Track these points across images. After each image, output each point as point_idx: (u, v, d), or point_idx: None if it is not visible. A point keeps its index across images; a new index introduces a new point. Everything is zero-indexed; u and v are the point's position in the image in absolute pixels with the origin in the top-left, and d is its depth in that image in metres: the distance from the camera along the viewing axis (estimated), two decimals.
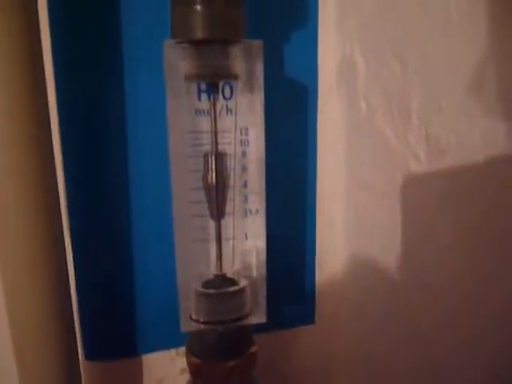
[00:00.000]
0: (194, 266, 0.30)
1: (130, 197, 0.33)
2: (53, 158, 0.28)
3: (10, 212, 0.26)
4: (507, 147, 0.24)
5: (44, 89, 0.27)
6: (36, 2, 0.26)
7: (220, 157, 0.28)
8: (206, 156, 0.28)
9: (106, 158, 0.32)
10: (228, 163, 0.29)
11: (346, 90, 0.36)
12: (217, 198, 0.29)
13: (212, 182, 0.28)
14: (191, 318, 0.30)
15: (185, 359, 0.38)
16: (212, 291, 0.30)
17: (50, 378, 0.30)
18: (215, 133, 0.27)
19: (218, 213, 0.29)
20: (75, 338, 0.31)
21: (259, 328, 0.33)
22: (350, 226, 0.37)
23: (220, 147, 0.28)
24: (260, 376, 0.35)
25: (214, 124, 0.27)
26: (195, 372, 0.32)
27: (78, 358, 0.32)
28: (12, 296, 0.29)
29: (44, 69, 0.26)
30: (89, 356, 0.35)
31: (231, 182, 0.28)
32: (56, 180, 0.28)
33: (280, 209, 0.34)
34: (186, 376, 0.37)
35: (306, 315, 0.41)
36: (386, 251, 0.35)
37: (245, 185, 0.29)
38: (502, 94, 0.24)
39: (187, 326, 0.30)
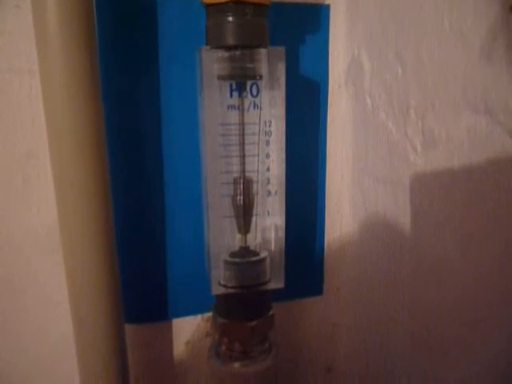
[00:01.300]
0: (223, 239, 0.35)
1: (166, 179, 0.38)
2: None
3: (72, 187, 0.31)
4: (489, 139, 0.28)
5: (99, 102, 0.31)
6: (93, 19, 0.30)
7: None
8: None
9: (146, 146, 0.37)
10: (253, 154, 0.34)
11: (353, 88, 0.40)
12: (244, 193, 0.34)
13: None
14: (220, 284, 0.35)
15: (209, 324, 0.43)
16: (238, 260, 0.35)
17: (104, 338, 0.36)
18: (243, 124, 0.32)
19: (245, 205, 0.34)
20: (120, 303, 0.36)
21: (273, 298, 0.38)
22: (356, 207, 0.42)
23: (246, 138, 0.33)
24: (275, 339, 0.40)
25: (242, 117, 0.32)
26: (221, 331, 0.37)
27: (122, 321, 0.37)
28: (72, 265, 0.34)
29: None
30: (128, 319, 0.39)
31: (256, 166, 0.33)
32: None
33: (295, 191, 0.39)
34: (210, 339, 0.42)
35: (315, 287, 0.46)
36: (389, 230, 0.39)
37: (268, 169, 0.34)
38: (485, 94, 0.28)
39: (216, 289, 0.35)
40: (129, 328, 0.39)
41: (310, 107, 0.41)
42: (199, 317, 0.43)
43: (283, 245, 0.36)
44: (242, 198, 0.34)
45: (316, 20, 0.39)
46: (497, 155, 0.28)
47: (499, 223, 0.29)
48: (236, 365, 0.37)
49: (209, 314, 0.42)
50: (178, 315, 0.42)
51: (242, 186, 0.34)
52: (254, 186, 0.34)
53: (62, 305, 0.37)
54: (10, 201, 0.36)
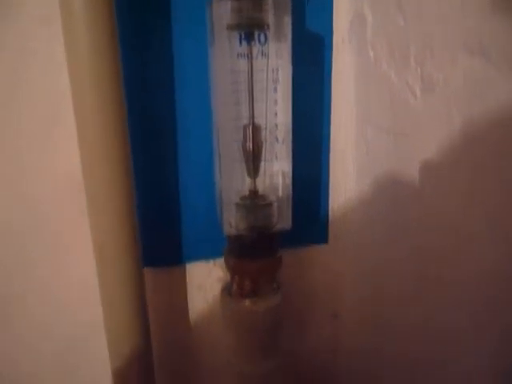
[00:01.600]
0: (234, 184, 0.37)
1: (180, 129, 0.40)
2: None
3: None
4: (484, 81, 0.30)
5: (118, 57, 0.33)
6: None
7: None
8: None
9: (161, 98, 0.39)
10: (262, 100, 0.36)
11: (357, 41, 0.42)
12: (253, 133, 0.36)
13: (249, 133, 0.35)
14: (231, 225, 0.38)
15: (221, 269, 0.46)
16: (248, 203, 0.37)
17: (125, 278, 0.38)
18: (252, 72, 0.34)
19: (255, 152, 0.36)
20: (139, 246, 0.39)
21: (282, 244, 0.41)
22: (360, 157, 0.44)
23: (255, 85, 0.35)
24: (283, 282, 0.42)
25: (250, 65, 0.34)
26: (233, 270, 0.40)
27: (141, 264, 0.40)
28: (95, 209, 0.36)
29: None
30: (146, 264, 0.41)
31: (264, 112, 0.35)
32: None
33: (301, 141, 0.41)
34: (222, 283, 0.45)
35: (321, 235, 0.48)
36: (392, 179, 0.41)
37: (275, 115, 0.36)
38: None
39: (228, 230, 0.38)
40: (146, 272, 0.41)
41: (315, 60, 0.42)
42: (211, 262, 0.46)
43: (290, 191, 0.39)
44: (251, 143, 0.36)
45: None
46: (492, 96, 0.30)
47: (501, 166, 0.30)
48: (246, 302, 0.40)
49: (220, 260, 0.45)
50: (191, 260, 0.45)
51: (251, 132, 0.36)
52: (263, 132, 0.36)
53: (85, 248, 0.40)
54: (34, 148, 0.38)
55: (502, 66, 0.29)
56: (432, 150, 0.35)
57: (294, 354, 0.52)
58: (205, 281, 0.46)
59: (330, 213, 0.48)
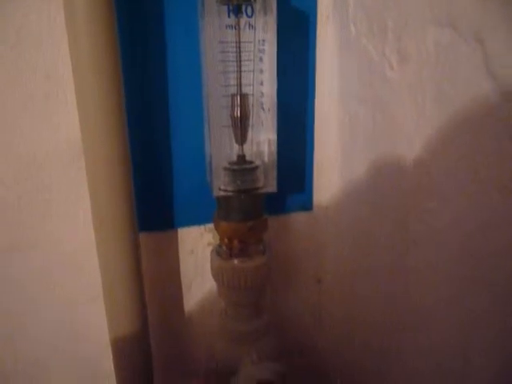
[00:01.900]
0: (222, 149, 0.40)
1: (171, 97, 0.43)
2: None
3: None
4: (452, 50, 0.33)
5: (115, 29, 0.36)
6: None
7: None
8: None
9: (154, 68, 0.42)
10: (249, 69, 0.38)
11: (339, 17, 0.45)
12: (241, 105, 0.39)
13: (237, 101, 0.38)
14: (220, 189, 0.40)
15: (211, 234, 0.49)
16: (235, 167, 0.40)
17: (122, 242, 0.41)
18: (239, 42, 0.37)
19: (242, 119, 0.39)
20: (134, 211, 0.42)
21: (269, 211, 0.43)
22: (342, 127, 0.47)
23: (242, 54, 0.37)
24: (269, 244, 0.45)
25: (238, 36, 0.36)
26: (222, 231, 0.43)
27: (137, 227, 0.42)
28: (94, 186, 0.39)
29: None
30: (141, 228, 0.44)
31: (251, 81, 0.38)
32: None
33: (287, 112, 0.43)
34: (212, 247, 0.48)
35: (306, 202, 0.51)
36: (374, 148, 0.44)
37: (261, 83, 0.38)
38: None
39: (217, 193, 0.40)
40: (142, 236, 0.44)
41: (300, 34, 0.45)
42: (202, 227, 0.49)
43: (275, 157, 0.41)
44: (239, 111, 0.38)
45: None
46: (460, 66, 0.32)
47: (471, 127, 0.33)
48: (235, 261, 0.43)
49: (210, 225, 0.48)
50: (183, 225, 0.48)
51: (239, 100, 0.38)
52: (250, 99, 0.39)
53: (84, 215, 0.43)
54: (33, 119, 0.40)
55: (468, 36, 0.31)
56: (408, 119, 0.38)
57: (279, 314, 0.55)
58: (196, 245, 0.49)
59: (315, 180, 0.50)
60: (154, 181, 0.45)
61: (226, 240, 0.43)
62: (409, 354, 0.43)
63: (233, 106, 0.39)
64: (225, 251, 0.43)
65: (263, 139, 0.41)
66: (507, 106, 0.29)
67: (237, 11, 0.36)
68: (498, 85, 0.29)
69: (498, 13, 0.29)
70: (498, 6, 0.29)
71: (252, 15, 0.37)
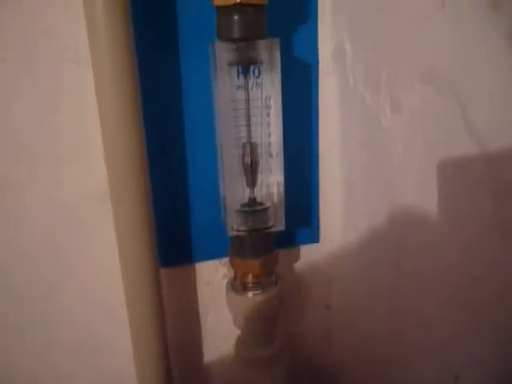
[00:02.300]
0: (235, 193, 0.44)
1: (189, 147, 0.47)
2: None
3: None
4: (435, 104, 0.37)
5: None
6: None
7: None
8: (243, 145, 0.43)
9: (172, 121, 0.46)
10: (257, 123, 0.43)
11: (339, 68, 0.49)
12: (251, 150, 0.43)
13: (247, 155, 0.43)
14: (233, 229, 0.45)
15: (226, 267, 0.53)
16: (247, 209, 0.44)
17: (146, 278, 0.45)
18: (248, 100, 0.41)
19: (253, 166, 0.43)
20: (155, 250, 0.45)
21: (279, 245, 0.47)
22: (344, 167, 0.51)
23: (251, 110, 0.42)
24: (280, 275, 0.49)
25: (247, 94, 0.41)
26: (236, 267, 0.47)
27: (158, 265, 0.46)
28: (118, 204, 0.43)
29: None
30: (162, 264, 0.47)
31: (260, 133, 0.42)
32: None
33: (293, 155, 0.47)
34: (227, 280, 0.52)
35: (313, 236, 0.55)
36: (372, 185, 0.48)
37: (269, 135, 0.43)
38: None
39: (231, 233, 0.44)
40: (162, 271, 0.47)
41: (303, 86, 0.49)
42: (217, 261, 0.53)
43: (283, 197, 0.45)
44: (249, 158, 0.43)
45: (306, 11, 0.47)
46: (442, 118, 0.36)
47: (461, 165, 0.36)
48: (249, 294, 0.47)
49: (225, 259, 0.52)
50: (200, 259, 0.52)
51: (249, 149, 0.42)
52: (259, 148, 0.43)
53: (110, 254, 0.46)
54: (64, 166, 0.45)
55: (447, 94, 0.35)
56: (401, 161, 0.42)
57: (291, 339, 0.58)
58: (212, 277, 0.53)
59: (321, 215, 0.54)
60: (174, 221, 0.49)
61: (239, 275, 0.47)
62: (417, 370, 0.46)
63: (244, 155, 0.43)
64: (239, 285, 0.47)
65: (272, 182, 0.45)
66: (487, 158, 0.33)
67: (245, 73, 0.41)
68: (476, 137, 0.34)
69: (477, 71, 0.34)
70: (476, 65, 0.34)
71: (259, 75, 0.41)
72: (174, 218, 0.49)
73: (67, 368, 0.50)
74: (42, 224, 0.45)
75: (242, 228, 0.44)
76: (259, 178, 0.44)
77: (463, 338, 0.40)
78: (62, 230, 0.46)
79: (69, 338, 0.49)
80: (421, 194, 0.41)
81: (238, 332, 0.50)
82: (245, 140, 0.42)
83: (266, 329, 0.49)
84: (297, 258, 0.56)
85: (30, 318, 0.48)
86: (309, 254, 0.56)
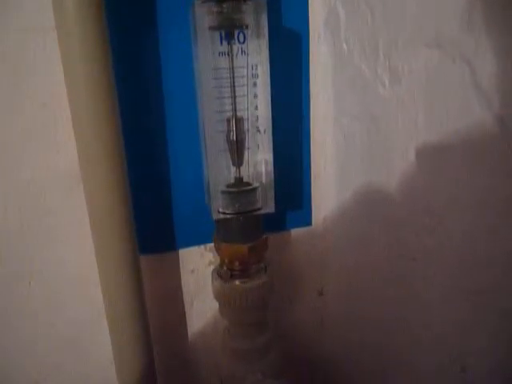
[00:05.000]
0: (220, 172, 0.40)
1: (169, 125, 0.43)
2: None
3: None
4: (441, 69, 0.33)
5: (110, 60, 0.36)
6: None
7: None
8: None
9: (151, 96, 0.42)
10: (243, 94, 0.39)
11: (331, 37, 0.45)
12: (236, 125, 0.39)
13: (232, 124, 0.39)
14: (219, 211, 0.41)
15: (211, 254, 0.49)
16: (233, 190, 0.41)
17: (123, 265, 0.41)
18: (233, 69, 0.37)
19: (238, 143, 0.39)
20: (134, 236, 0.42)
21: (269, 229, 0.44)
22: (338, 144, 0.48)
23: (236, 80, 0.38)
24: (270, 261, 0.46)
25: (231, 62, 0.37)
26: (222, 253, 0.43)
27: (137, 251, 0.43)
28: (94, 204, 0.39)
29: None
30: (142, 251, 0.44)
31: (246, 105, 0.38)
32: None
33: (283, 132, 0.44)
34: (213, 267, 0.48)
35: (305, 218, 0.52)
36: (368, 163, 0.44)
37: (256, 108, 0.39)
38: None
39: (216, 216, 0.41)
40: (142, 259, 0.44)
41: (293, 56, 0.46)
42: (202, 247, 0.49)
43: (272, 177, 0.42)
44: (234, 134, 0.39)
45: None
46: (448, 84, 0.33)
47: (461, 143, 0.33)
48: (237, 282, 0.43)
49: (211, 245, 0.48)
50: (184, 246, 0.48)
51: (234, 124, 0.39)
52: (245, 123, 0.39)
53: (85, 238, 0.43)
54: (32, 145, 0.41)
55: (455, 57, 0.32)
56: (401, 134, 0.39)
57: (282, 327, 0.55)
58: (197, 264, 0.50)
59: (313, 197, 0.51)
60: (155, 205, 0.45)
61: (226, 261, 0.43)
62: (410, 354, 0.44)
63: (228, 131, 0.39)
64: (226, 272, 0.43)
65: (260, 160, 0.42)
66: (498, 124, 0.29)
67: (229, 38, 0.37)
68: (487, 102, 0.30)
69: (485, 33, 0.30)
70: (484, 25, 0.30)
71: (244, 41, 0.37)
72: (154, 202, 0.45)
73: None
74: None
75: (228, 210, 0.41)
76: (246, 155, 0.41)
77: (467, 326, 0.37)
78: (29, 215, 0.42)
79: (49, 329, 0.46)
80: (422, 171, 0.37)
81: (225, 322, 0.47)
82: (229, 114, 0.39)
83: (255, 319, 0.45)
84: (288, 242, 0.53)
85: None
86: (300, 238, 0.53)
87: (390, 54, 0.38)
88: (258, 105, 0.39)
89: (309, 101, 0.47)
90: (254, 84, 0.38)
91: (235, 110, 0.38)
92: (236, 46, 0.37)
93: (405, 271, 0.42)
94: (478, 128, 0.31)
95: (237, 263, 0.43)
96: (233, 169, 0.41)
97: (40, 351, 0.47)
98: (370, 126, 0.42)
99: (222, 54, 0.37)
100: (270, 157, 0.41)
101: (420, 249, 0.39)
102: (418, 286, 0.41)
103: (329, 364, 0.58)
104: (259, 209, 0.41)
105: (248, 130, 0.40)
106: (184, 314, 0.51)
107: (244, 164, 0.41)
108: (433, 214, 0.37)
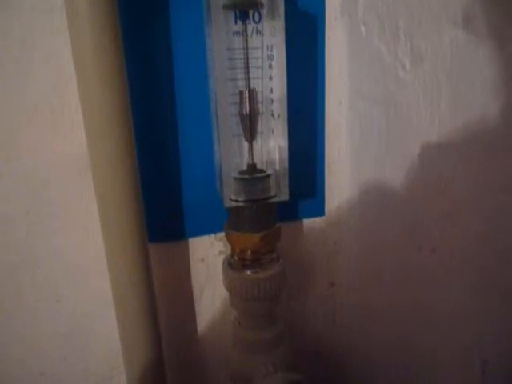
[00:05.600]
0: (232, 158, 0.39)
1: (178, 106, 0.42)
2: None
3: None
4: (468, 49, 0.32)
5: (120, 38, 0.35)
6: None
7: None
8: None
9: (161, 73, 0.41)
10: (257, 76, 0.37)
11: (349, 18, 0.43)
12: (250, 113, 0.37)
13: (246, 104, 0.37)
14: (231, 199, 0.39)
15: (222, 243, 0.48)
16: (246, 176, 0.39)
17: (132, 253, 0.40)
18: (247, 49, 0.35)
19: (251, 113, 0.37)
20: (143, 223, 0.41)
21: (281, 218, 0.43)
22: (353, 131, 0.46)
23: (251, 61, 0.36)
24: (282, 251, 0.44)
25: (245, 42, 0.35)
26: (234, 242, 0.42)
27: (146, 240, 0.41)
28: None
29: None
30: (151, 239, 0.43)
31: (260, 88, 0.37)
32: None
33: (296, 117, 0.42)
34: (223, 256, 0.47)
35: (318, 208, 0.50)
36: (386, 151, 0.43)
37: (271, 91, 0.37)
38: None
39: (228, 203, 0.39)
40: (152, 247, 0.43)
41: (308, 38, 0.44)
42: (212, 236, 0.48)
43: (287, 164, 0.40)
44: (247, 106, 0.37)
45: None
46: (475, 64, 0.31)
47: (485, 129, 0.32)
48: (248, 272, 0.42)
49: (221, 234, 0.47)
50: (193, 235, 0.47)
51: (247, 95, 0.37)
52: (259, 105, 0.38)
53: (92, 226, 0.42)
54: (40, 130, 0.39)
55: (486, 37, 0.30)
56: (421, 120, 0.37)
57: (293, 319, 0.54)
58: (207, 254, 0.48)
59: (326, 186, 0.49)
60: (164, 192, 0.44)
61: (237, 250, 0.42)
62: (426, 345, 0.43)
63: (241, 103, 0.37)
64: (237, 262, 0.42)
65: (273, 146, 0.40)
66: None
67: (243, 17, 0.35)
68: None
69: None
70: None
71: (259, 21, 0.35)
72: (163, 189, 0.44)
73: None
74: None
75: (240, 198, 0.39)
76: (259, 141, 0.39)
77: (489, 319, 0.35)
78: (36, 203, 0.41)
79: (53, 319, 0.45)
80: (443, 157, 0.36)
81: (235, 313, 0.45)
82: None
83: (267, 310, 0.44)
84: (300, 232, 0.51)
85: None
86: (313, 228, 0.51)
87: (411, 33, 0.36)
88: (272, 88, 0.37)
89: (324, 85, 0.45)
90: (270, 66, 0.37)
91: (249, 84, 0.37)
92: (251, 26, 0.36)
93: (422, 263, 0.41)
94: (507, 112, 0.30)
95: (248, 253, 0.41)
96: (246, 155, 0.39)
97: (44, 342, 0.45)
98: (388, 111, 0.41)
99: (236, 33, 0.35)
100: (284, 143, 0.40)
101: (440, 239, 0.38)
102: (437, 278, 0.39)
103: (340, 356, 0.57)
104: (273, 197, 0.40)
105: (262, 113, 0.38)
106: (193, 304, 0.50)
107: (257, 150, 0.39)
108: (455, 201, 0.36)
